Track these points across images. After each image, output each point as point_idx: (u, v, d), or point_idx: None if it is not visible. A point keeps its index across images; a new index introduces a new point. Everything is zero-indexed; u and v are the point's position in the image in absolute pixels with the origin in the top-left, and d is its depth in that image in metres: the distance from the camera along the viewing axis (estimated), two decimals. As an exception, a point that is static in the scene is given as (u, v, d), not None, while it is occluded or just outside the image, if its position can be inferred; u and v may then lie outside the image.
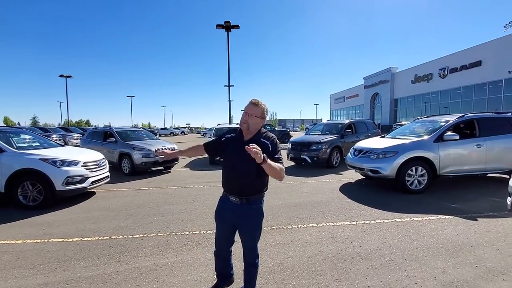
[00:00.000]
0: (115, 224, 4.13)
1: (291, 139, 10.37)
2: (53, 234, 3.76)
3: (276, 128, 25.61)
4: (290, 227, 3.92)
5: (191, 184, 6.91)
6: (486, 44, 26.00)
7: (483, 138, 5.92)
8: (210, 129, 44.68)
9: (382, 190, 5.92)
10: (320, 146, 8.87)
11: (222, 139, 2.16)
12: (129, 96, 64.76)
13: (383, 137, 7.28)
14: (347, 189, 6.11)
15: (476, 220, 4.05)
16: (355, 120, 11.03)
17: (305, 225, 3.97)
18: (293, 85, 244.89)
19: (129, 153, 8.15)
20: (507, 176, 6.27)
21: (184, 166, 10.15)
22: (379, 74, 41.24)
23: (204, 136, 41.50)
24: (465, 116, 6.24)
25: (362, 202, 5.05)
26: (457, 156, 5.78)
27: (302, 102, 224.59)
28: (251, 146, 1.68)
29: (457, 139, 5.71)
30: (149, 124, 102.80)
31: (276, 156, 1.96)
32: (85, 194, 5.80)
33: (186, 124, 76.46)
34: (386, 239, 3.44)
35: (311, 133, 11.24)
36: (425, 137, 5.89)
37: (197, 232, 3.81)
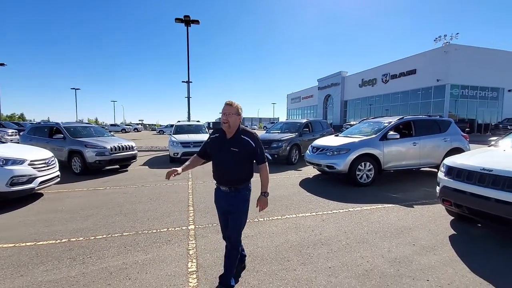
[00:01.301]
0: (72, 226, 3.89)
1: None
2: (2, 239, 3.41)
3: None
4: (257, 220, 4.14)
5: (152, 183, 6.71)
6: (420, 54, 29.60)
7: (418, 137, 6.88)
8: (167, 126, 42.97)
9: (336, 184, 6.50)
10: (280, 143, 9.30)
11: (208, 141, 2.42)
12: (73, 88, 58.49)
13: (337, 135, 7.95)
14: (306, 184, 6.57)
15: (413, 207, 4.76)
16: (311, 120, 11.75)
17: (270, 218, 4.22)
18: (251, 84, 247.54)
19: (80, 150, 7.54)
20: (436, 170, 7.38)
21: (142, 165, 9.72)
22: (331, 77, 44.03)
23: (161, 134, 39.74)
24: (404, 118, 7.16)
25: (320, 195, 5.50)
26: (398, 153, 6.63)
27: (260, 101, 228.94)
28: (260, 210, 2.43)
29: (398, 138, 6.55)
30: (97, 119, 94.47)
31: (261, 157, 2.36)
32: (32, 196, 5.27)
33: (139, 120, 71.83)
34: (342, 227, 3.87)
35: (271, 132, 11.66)
36: (372, 136, 6.62)
37: (165, 229, 3.80)
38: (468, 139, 7.60)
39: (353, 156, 6.17)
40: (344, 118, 41.02)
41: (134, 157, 8.66)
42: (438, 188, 3.90)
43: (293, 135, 9.92)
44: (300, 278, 2.59)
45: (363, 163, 6.24)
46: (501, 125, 22.98)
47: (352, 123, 27.77)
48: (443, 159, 6.96)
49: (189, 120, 17.43)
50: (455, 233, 3.64)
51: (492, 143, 4.37)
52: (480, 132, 26.79)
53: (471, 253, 3.06)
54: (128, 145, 8.44)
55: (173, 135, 10.45)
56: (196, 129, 11.63)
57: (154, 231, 3.75)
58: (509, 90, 28.11)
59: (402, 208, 4.71)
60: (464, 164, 3.48)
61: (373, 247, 3.24)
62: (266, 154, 8.62)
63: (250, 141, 2.27)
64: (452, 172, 3.61)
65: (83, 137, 8.24)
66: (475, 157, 3.62)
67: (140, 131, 51.61)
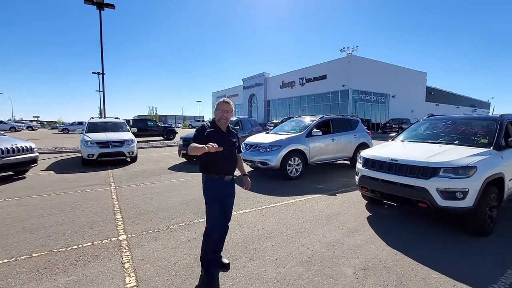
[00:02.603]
0: (-49, 255, 2.94)
1: (182, 135, 10.14)
2: None
3: (160, 124, 24.00)
4: (197, 221, 3.98)
5: (63, 191, 5.65)
6: (329, 62, 33.74)
7: (335, 134, 7.84)
8: (72, 124, 36.84)
9: (269, 179, 6.81)
10: (211, 142, 9.13)
11: (205, 133, 2.48)
12: None
13: (268, 133, 8.34)
14: (241, 181, 6.65)
15: (336, 195, 5.40)
16: (241, 118, 11.99)
17: (211, 218, 4.12)
18: (175, 82, 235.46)
19: (-49, 155, 5.72)
20: (348, 162, 8.57)
21: (45, 170, 8.08)
22: (255, 78, 45.82)
23: (65, 132, 33.78)
24: (324, 117, 8.04)
25: (256, 191, 5.66)
26: (320, 148, 7.41)
27: (184, 99, 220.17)
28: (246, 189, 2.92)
29: (320, 135, 7.31)
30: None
31: (239, 145, 2.79)
32: None
33: (34, 116, 59.45)
34: (281, 219, 4.09)
35: (200, 130, 11.35)
36: (299, 133, 7.21)
37: (89, 244, 3.27)
38: (371, 136, 9.09)
39: (284, 152, 6.58)
40: (267, 117, 43.32)
41: (34, 160, 7.09)
42: (357, 178, 4.53)
43: (224, 133, 9.88)
44: (251, 274, 2.63)
45: (292, 158, 6.74)
46: (387, 124, 28.56)
47: (274, 121, 29.58)
48: (354, 152, 8.17)
49: (103, 116, 15.40)
50: (370, 214, 4.32)
51: (391, 139, 5.31)
52: (373, 130, 32.36)
53: (385, 230, 3.68)
54: (25, 146, 6.85)
55: (86, 134, 9.01)
56: (115, 126, 10.32)
57: (75, 247, 3.18)
58: (393, 96, 34.88)
59: (327, 197, 5.29)
60: (377, 156, 4.15)
61: (311, 234, 3.54)
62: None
63: (237, 134, 2.77)
64: (368, 163, 4.25)
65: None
66: (385, 150, 4.36)
67: (36, 129, 42.87)
